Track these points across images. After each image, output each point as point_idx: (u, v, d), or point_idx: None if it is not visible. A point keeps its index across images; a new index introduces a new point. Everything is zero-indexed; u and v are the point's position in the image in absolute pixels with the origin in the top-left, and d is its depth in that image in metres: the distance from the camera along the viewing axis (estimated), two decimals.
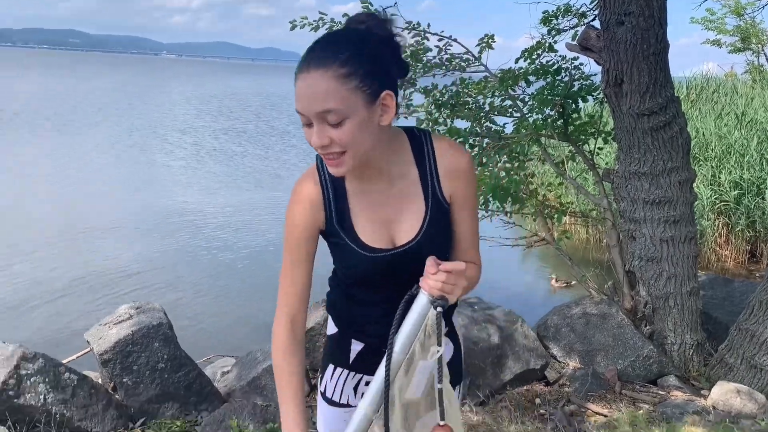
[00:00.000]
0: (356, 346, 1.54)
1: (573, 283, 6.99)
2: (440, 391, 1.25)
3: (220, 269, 7.39)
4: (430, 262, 1.25)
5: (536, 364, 3.77)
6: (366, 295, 1.47)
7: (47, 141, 15.84)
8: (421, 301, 1.26)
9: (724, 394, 3.47)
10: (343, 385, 1.57)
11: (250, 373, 3.61)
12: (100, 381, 3.41)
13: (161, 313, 3.47)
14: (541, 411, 3.50)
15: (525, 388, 3.73)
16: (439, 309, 1.23)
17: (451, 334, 1.60)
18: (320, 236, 1.48)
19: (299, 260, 1.47)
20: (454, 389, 1.61)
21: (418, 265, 1.29)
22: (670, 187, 3.82)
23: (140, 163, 13.92)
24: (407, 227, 1.42)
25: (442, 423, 1.26)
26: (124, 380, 3.27)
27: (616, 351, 3.86)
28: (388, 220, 1.43)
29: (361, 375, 1.55)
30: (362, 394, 1.42)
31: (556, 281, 7.32)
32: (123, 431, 3.14)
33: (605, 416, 3.43)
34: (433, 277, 1.24)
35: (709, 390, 3.61)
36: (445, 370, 1.26)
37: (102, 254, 7.55)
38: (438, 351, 1.24)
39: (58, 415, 3.02)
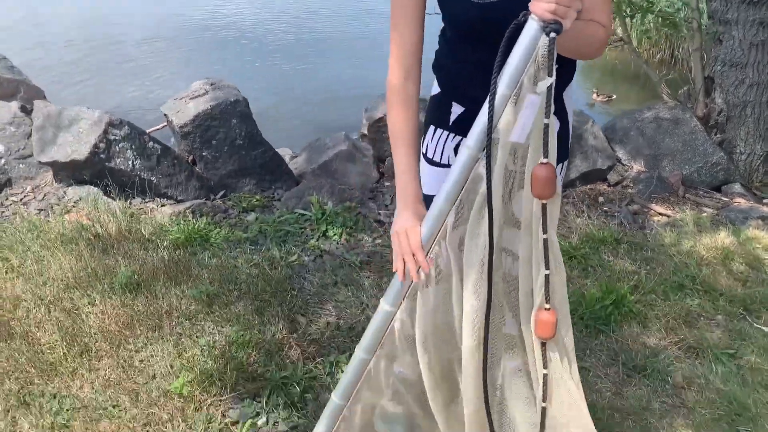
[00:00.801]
0: (456, 109, 1.49)
1: (614, 97, 6.81)
2: (546, 127, 1.10)
3: (274, 71, 7.20)
4: None
5: (603, 164, 3.78)
6: (471, 54, 1.34)
7: None
8: (531, 27, 1.08)
9: None
10: (444, 145, 1.54)
11: (321, 158, 3.66)
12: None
13: (236, 91, 3.44)
14: (605, 208, 3.57)
15: (589, 186, 3.78)
16: (552, 35, 1.05)
17: (560, 111, 1.52)
18: None
19: (406, 10, 1.38)
20: (557, 166, 1.60)
21: None
22: None
23: None
24: None
25: (544, 161, 1.14)
26: (204, 154, 3.33)
27: (684, 156, 3.84)
28: None
29: (461, 137, 1.49)
30: None
31: (598, 95, 7.11)
32: (205, 201, 3.26)
33: (668, 216, 3.50)
34: None
35: None
36: (552, 107, 1.10)
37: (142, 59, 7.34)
38: (549, 81, 1.08)
39: (146, 181, 3.13)
